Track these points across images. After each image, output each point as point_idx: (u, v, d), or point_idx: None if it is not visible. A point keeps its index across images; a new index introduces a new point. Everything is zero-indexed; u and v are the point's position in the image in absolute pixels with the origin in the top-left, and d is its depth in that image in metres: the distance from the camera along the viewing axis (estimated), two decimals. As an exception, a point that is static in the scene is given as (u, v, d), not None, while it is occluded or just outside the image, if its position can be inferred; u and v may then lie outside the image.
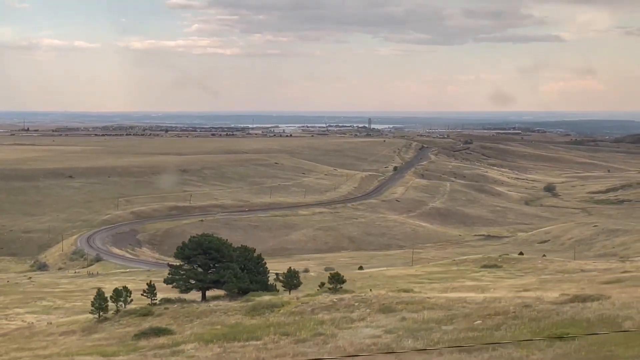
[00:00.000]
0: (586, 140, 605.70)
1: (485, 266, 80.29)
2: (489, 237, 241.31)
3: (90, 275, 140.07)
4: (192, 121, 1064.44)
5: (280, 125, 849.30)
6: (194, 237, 56.73)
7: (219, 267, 52.23)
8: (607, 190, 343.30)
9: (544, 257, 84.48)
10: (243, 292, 49.42)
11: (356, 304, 35.17)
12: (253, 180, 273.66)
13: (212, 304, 42.42)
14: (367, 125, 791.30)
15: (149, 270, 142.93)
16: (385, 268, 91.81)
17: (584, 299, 31.50)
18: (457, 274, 74.76)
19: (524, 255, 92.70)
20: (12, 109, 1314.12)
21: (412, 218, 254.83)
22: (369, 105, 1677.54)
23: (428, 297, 36.11)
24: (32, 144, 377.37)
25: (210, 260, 52.81)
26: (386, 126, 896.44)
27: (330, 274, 53.37)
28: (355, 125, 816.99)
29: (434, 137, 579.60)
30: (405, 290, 40.84)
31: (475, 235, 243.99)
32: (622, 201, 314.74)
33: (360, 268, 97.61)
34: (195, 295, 53.35)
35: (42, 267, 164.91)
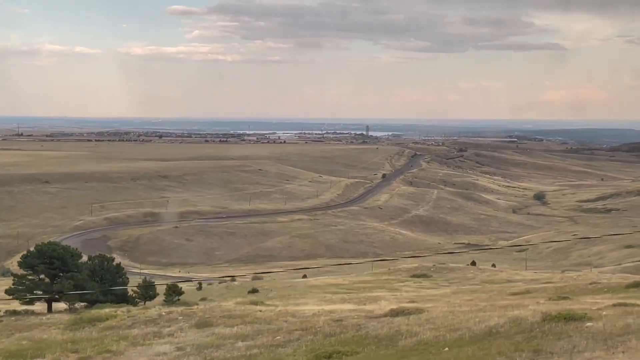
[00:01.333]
0: (582, 148, 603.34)
1: (414, 276, 78.28)
2: (469, 245, 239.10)
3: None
4: (192, 127, 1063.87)
5: (277, 132, 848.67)
6: (38, 245, 54.22)
7: (61, 277, 50.25)
8: (597, 199, 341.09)
9: (478, 267, 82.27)
10: (92, 303, 47.53)
11: (180, 317, 33.18)
12: (235, 186, 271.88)
13: (46, 316, 40.51)
14: (364, 133, 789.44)
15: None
16: (327, 277, 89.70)
17: (406, 312, 29.54)
18: (380, 284, 72.69)
19: (460, 265, 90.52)
20: (13, 114, 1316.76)
21: (393, 226, 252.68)
22: (369, 113, 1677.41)
23: (260, 310, 34.11)
24: (18, 149, 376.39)
25: (53, 269, 50.79)
26: (385, 133, 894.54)
27: (169, 285, 51.20)
28: (353, 132, 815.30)
29: (428, 145, 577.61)
30: (255, 303, 38.84)
31: (456, 243, 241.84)
32: (610, 210, 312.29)
33: (304, 276, 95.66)
34: (42, 306, 51.35)
35: (6, 273, 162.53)
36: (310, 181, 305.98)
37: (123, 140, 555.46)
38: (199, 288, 79.56)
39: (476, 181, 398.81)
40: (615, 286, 48.02)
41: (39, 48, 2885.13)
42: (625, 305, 27.13)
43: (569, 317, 23.08)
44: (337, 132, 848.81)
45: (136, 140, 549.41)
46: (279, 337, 28.03)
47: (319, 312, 33.29)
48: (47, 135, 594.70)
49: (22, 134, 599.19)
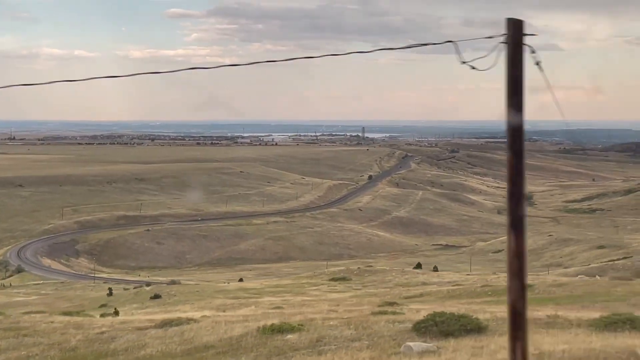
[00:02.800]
0: (574, 149, 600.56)
1: (334, 279, 76.49)
2: (446, 246, 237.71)
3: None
4: (190, 130, 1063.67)
5: (273, 134, 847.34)
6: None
7: None
8: (583, 199, 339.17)
9: (403, 270, 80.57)
10: None
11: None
12: (214, 189, 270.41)
13: None
14: (359, 134, 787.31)
15: (62, 283, 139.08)
16: (263, 280, 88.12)
17: (175, 323, 28.00)
18: (291, 288, 71.04)
19: (386, 268, 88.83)
20: (13, 118, 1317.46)
21: (371, 227, 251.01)
22: (368, 114, 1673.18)
23: (51, 321, 32.55)
24: (2, 153, 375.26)
25: None
26: (382, 135, 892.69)
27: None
28: (349, 134, 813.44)
29: (421, 146, 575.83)
30: (67, 314, 37.37)
31: (433, 244, 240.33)
32: (594, 210, 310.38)
33: (241, 280, 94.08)
34: None
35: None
36: (292, 183, 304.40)
37: (114, 143, 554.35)
38: (110, 294, 78.11)
39: (464, 182, 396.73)
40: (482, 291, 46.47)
41: (38, 52, 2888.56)
42: (385, 313, 25.52)
43: (279, 329, 21.61)
44: (334, 134, 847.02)
45: (127, 144, 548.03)
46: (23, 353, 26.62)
47: (121, 321, 31.84)
48: (39, 139, 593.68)
49: (14, 138, 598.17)
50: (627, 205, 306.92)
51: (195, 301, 62.92)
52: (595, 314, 22.91)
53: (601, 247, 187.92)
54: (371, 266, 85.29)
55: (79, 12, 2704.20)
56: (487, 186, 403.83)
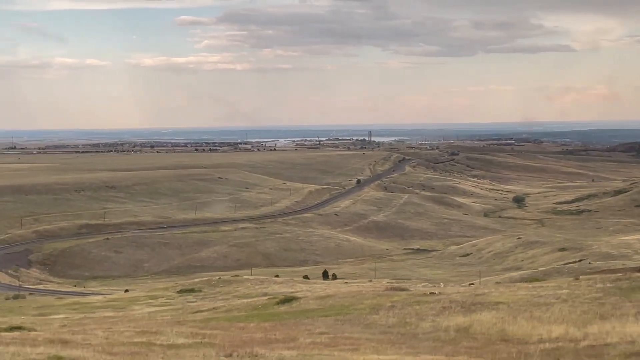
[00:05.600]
0: (577, 149, 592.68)
1: (183, 291, 72.35)
2: (417, 250, 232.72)
3: None
4: (201, 137, 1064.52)
5: (280, 140, 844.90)
6: None
7: None
8: (573, 201, 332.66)
9: (259, 280, 76.17)
10: None
11: None
12: (187, 195, 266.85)
13: None
14: (366, 138, 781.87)
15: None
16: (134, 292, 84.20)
17: None
18: (124, 303, 66.98)
19: (251, 277, 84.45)
20: (25, 127, 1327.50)
21: (344, 232, 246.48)
22: (378, 118, 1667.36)
23: None
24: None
25: None
26: (391, 138, 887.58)
27: None
28: (354, 138, 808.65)
29: (421, 149, 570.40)
30: None
31: (405, 249, 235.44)
32: (581, 211, 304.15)
33: (126, 291, 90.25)
34: None
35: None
36: (271, 188, 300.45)
37: (112, 151, 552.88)
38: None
39: (457, 185, 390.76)
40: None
41: (50, 61, 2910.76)
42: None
43: None
44: (339, 138, 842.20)
45: (125, 152, 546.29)
46: None
47: None
48: (40, 148, 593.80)
49: (14, 147, 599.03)
50: (614, 207, 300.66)
51: (24, 316, 59.27)
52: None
53: (563, 249, 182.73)
54: (237, 276, 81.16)
55: (90, 21, 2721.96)
56: (481, 189, 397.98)
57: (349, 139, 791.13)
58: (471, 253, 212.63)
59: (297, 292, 56.42)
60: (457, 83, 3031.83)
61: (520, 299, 40.02)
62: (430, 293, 44.22)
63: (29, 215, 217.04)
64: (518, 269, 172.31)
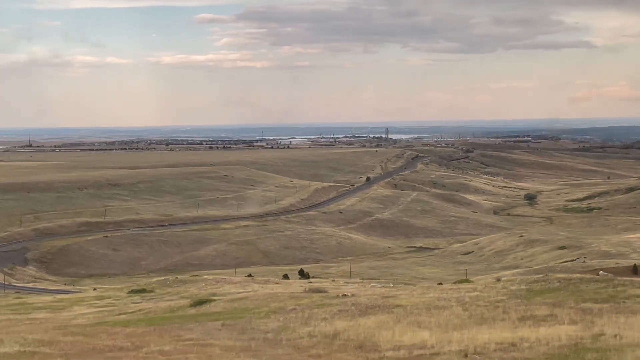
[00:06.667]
0: (594, 146, 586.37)
1: (133, 292, 70.89)
2: (420, 248, 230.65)
3: None
4: (219, 134, 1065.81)
5: (296, 137, 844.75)
6: None
7: None
8: (584, 198, 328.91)
9: (216, 280, 74.53)
10: None
11: None
12: (190, 193, 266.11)
13: None
14: (383, 136, 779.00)
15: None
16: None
17: None
18: (68, 303, 65.83)
19: (209, 278, 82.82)
20: (46, 126, 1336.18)
21: (347, 230, 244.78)
22: (398, 116, 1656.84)
23: None
24: (0, 160, 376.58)
25: None
26: (410, 136, 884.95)
27: None
28: (371, 135, 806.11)
29: (436, 147, 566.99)
30: None
31: (408, 247, 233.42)
32: (592, 209, 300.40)
33: (94, 289, 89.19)
34: None
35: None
36: (276, 186, 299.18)
37: (126, 149, 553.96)
38: None
39: (469, 182, 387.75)
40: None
41: (71, 60, 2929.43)
42: None
43: None
44: (356, 135, 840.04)
45: (138, 149, 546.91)
46: None
47: None
48: (56, 146, 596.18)
49: (31, 145, 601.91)
50: (625, 204, 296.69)
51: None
52: None
53: (562, 247, 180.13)
54: (197, 275, 79.76)
55: (110, 19, 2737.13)
56: (493, 186, 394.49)
57: (366, 137, 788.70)
58: (473, 251, 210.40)
59: (219, 294, 54.86)
60: (477, 80, 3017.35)
61: (423, 302, 38.36)
62: (342, 295, 42.59)
63: (30, 213, 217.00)
64: (516, 267, 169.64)
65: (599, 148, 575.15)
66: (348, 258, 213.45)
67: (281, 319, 35.88)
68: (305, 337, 30.36)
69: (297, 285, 62.93)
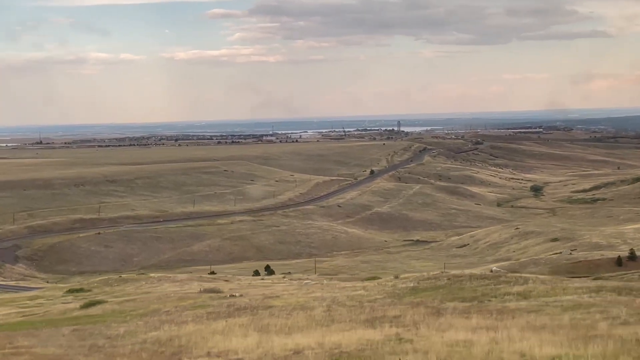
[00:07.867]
0: (606, 137, 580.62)
1: (70, 291, 69.44)
2: (417, 242, 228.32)
3: None
4: (234, 129, 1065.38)
5: (308, 131, 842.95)
6: None
7: None
8: (591, 189, 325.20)
9: (159, 279, 72.58)
10: None
11: None
12: (188, 189, 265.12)
13: None
14: (395, 128, 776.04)
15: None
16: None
17: None
18: (4, 302, 64.58)
19: (153, 275, 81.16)
20: (60, 122, 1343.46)
21: (345, 224, 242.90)
22: (411, 108, 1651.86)
23: None
24: (4, 158, 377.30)
25: None
26: (422, 128, 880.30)
27: None
28: (383, 128, 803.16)
29: (445, 139, 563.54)
30: None
31: (405, 240, 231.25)
32: (596, 200, 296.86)
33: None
34: None
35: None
36: (277, 181, 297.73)
37: (134, 145, 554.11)
38: None
39: (475, 174, 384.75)
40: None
41: (85, 57, 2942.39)
42: None
43: None
44: (368, 128, 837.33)
45: (146, 145, 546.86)
46: None
47: None
48: (66, 143, 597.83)
49: (41, 142, 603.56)
50: (630, 195, 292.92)
51: None
52: None
53: (554, 240, 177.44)
54: (143, 274, 78.24)
55: (124, 16, 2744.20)
56: (500, 178, 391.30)
57: (377, 130, 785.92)
58: (468, 244, 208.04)
59: (133, 294, 53.27)
60: (491, 71, 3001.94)
61: (297, 302, 36.81)
62: (231, 296, 40.94)
63: (24, 211, 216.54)
64: (508, 259, 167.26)
65: (610, 138, 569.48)
66: (343, 252, 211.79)
67: (140, 322, 34.31)
68: (137, 344, 28.78)
69: (197, 285, 61.10)
